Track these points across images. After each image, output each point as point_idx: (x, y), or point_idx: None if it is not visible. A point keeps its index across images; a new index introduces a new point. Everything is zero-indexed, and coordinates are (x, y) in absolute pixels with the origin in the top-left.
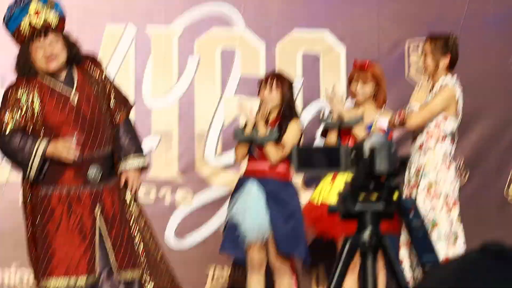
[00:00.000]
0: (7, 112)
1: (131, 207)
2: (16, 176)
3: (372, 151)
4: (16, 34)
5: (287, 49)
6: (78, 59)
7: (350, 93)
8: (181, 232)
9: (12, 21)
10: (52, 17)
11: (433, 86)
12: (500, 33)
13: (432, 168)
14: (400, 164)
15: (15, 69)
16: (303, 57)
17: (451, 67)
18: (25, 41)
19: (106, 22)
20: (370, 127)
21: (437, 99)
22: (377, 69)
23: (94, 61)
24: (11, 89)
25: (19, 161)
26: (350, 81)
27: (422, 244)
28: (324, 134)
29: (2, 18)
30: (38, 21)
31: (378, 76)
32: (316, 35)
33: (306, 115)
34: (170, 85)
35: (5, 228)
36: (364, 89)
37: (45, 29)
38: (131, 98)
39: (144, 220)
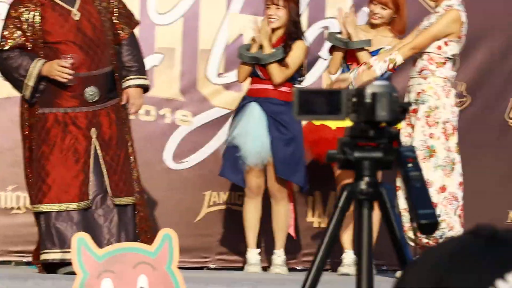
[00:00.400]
0: (7, 29)
1: (130, 129)
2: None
3: (374, 96)
4: None
5: None
6: None
7: (369, 14)
8: (180, 152)
9: None
10: None
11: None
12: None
13: (431, 93)
14: (401, 111)
15: None
16: None
17: None
18: None
19: None
20: (375, 53)
21: (443, 21)
22: None
23: None
24: (15, 6)
25: (14, 78)
26: (370, 2)
27: (418, 197)
28: (331, 51)
29: None
30: None
31: (399, 2)
32: None
33: (310, 33)
34: (175, 0)
35: (4, 147)
36: (382, 13)
37: None
38: (135, 13)
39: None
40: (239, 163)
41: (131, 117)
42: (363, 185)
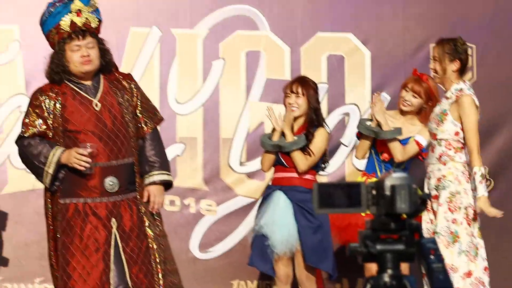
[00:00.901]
0: (29, 116)
1: (151, 223)
2: (41, 184)
3: (393, 189)
4: (53, 31)
5: (312, 52)
6: (108, 68)
7: (399, 100)
8: (206, 241)
9: (51, 17)
10: (92, 19)
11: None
12: None
13: (452, 179)
14: (421, 203)
15: (46, 71)
16: (328, 60)
17: (461, 73)
18: (61, 40)
19: (130, 25)
20: (405, 142)
21: (468, 111)
22: (432, 86)
23: (127, 74)
24: (37, 94)
25: (35, 165)
26: (403, 86)
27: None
28: (360, 136)
29: (40, 16)
30: (80, 20)
31: (431, 93)
32: (341, 38)
33: (331, 120)
34: (195, 89)
35: (30, 240)
36: (412, 101)
37: (85, 30)
38: (156, 103)
39: (165, 240)
40: (268, 252)
41: None
42: (386, 278)
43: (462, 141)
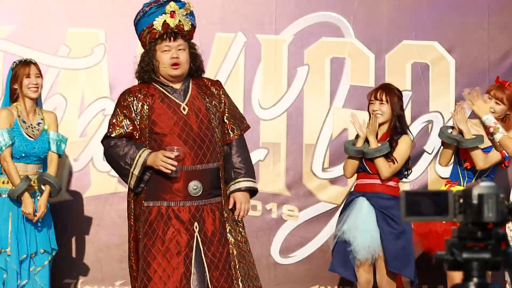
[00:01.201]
0: (117, 117)
1: (233, 229)
2: (124, 186)
3: (480, 197)
4: (146, 31)
5: (396, 59)
6: (198, 73)
7: None
8: (287, 246)
9: (146, 17)
10: (185, 22)
11: None
12: None
13: None
14: (508, 212)
15: (136, 70)
16: (413, 68)
17: None
18: (153, 40)
19: (216, 31)
20: (488, 150)
21: None
22: None
23: (216, 81)
24: (125, 95)
25: (120, 166)
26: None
27: None
28: (444, 144)
29: (135, 16)
30: (173, 21)
31: None
32: (425, 46)
33: (414, 128)
34: (279, 95)
35: (112, 242)
36: (495, 108)
37: (177, 32)
38: (240, 108)
39: (247, 245)
40: (350, 258)
41: None
42: (472, 286)
43: None
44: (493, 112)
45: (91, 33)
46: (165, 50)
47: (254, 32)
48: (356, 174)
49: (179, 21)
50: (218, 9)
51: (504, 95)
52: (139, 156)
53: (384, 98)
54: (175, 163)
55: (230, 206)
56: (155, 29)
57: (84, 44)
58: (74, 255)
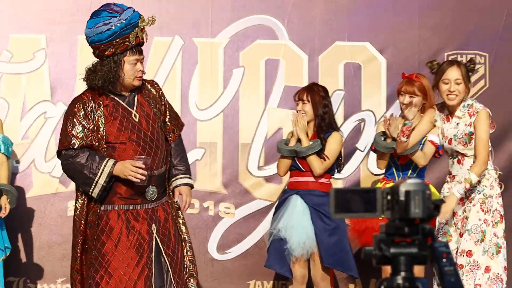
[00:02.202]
0: (75, 128)
1: (183, 224)
2: (66, 187)
3: (407, 194)
4: (120, 42)
5: (329, 60)
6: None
7: (400, 106)
8: (224, 243)
9: (122, 28)
10: (146, 35)
11: (452, 110)
12: None
13: (488, 184)
14: (434, 208)
15: (90, 78)
16: (345, 68)
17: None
18: (121, 52)
19: (153, 35)
20: (419, 143)
21: (484, 125)
22: (424, 82)
23: (151, 81)
24: (79, 104)
25: (84, 176)
26: (398, 93)
27: None
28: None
29: (102, 23)
30: (143, 35)
31: (425, 88)
32: (358, 47)
33: (347, 126)
34: (216, 96)
35: (53, 241)
36: (409, 100)
37: (142, 45)
38: (178, 109)
39: (190, 240)
40: (285, 255)
41: None
42: (399, 280)
43: (490, 148)
44: (406, 105)
45: (32, 38)
46: (133, 63)
47: (191, 35)
48: (289, 172)
49: (145, 34)
50: (155, 13)
51: (414, 87)
52: (105, 165)
53: (305, 98)
54: (145, 172)
55: (176, 199)
56: (130, 42)
57: (25, 49)
58: (17, 253)
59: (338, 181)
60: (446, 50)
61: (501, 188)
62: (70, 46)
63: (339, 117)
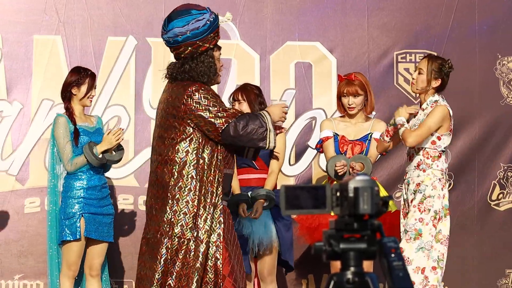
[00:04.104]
0: (223, 103)
1: None
2: (21, 185)
3: (356, 191)
4: (212, 36)
5: (280, 59)
6: None
7: (344, 107)
8: None
9: (213, 23)
10: None
11: (421, 103)
12: (486, 40)
13: (429, 184)
14: (383, 204)
15: (198, 70)
16: (296, 67)
17: (438, 91)
18: (212, 47)
19: (108, 34)
20: (365, 138)
21: (434, 118)
22: (363, 79)
23: None
24: (210, 89)
25: (257, 130)
26: (340, 95)
27: (402, 285)
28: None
29: (195, 19)
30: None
31: (365, 86)
32: (308, 46)
33: (298, 124)
34: None
35: (10, 238)
36: (356, 101)
37: None
38: (131, 108)
39: None
40: (246, 251)
41: (131, 207)
42: (349, 275)
43: (439, 149)
44: (355, 107)
45: None
46: (218, 59)
47: (144, 35)
48: (237, 169)
49: None
50: (109, 13)
51: (356, 87)
52: (264, 114)
53: (241, 98)
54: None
55: None
56: (218, 37)
57: None
58: None
59: (290, 179)
60: (395, 49)
61: (449, 187)
62: (25, 45)
63: (290, 116)
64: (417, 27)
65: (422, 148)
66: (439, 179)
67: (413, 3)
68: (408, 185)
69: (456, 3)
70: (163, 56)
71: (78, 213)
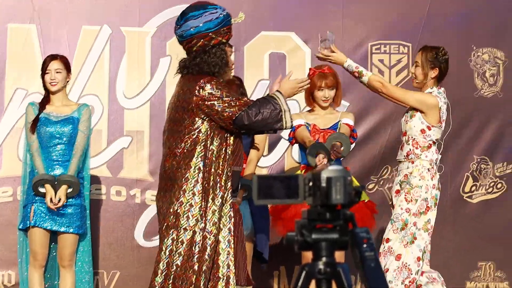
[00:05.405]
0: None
1: None
2: None
3: (329, 181)
4: (225, 30)
5: (255, 50)
6: None
7: (313, 101)
8: (150, 230)
9: (227, 18)
10: None
11: None
12: (461, 31)
13: (417, 175)
14: (355, 194)
15: (205, 66)
16: (270, 58)
17: (439, 81)
18: (225, 41)
19: (82, 23)
20: (335, 127)
21: (416, 94)
22: (334, 71)
23: None
24: (221, 83)
25: (271, 113)
26: (314, 89)
27: (373, 276)
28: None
29: (221, 13)
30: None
31: (337, 77)
32: (283, 37)
33: None
34: (143, 85)
35: None
36: (331, 94)
37: None
38: (105, 99)
39: None
40: None
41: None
42: (321, 265)
43: (429, 139)
44: (328, 99)
45: None
46: (230, 54)
47: (119, 24)
48: None
49: None
50: (85, 2)
51: (331, 79)
52: (276, 95)
53: None
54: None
55: None
56: (231, 33)
57: None
58: None
59: (263, 170)
60: (370, 40)
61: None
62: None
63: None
64: (392, 18)
65: (412, 137)
66: (428, 169)
67: None
68: (398, 176)
69: None
70: (137, 46)
71: (30, 202)
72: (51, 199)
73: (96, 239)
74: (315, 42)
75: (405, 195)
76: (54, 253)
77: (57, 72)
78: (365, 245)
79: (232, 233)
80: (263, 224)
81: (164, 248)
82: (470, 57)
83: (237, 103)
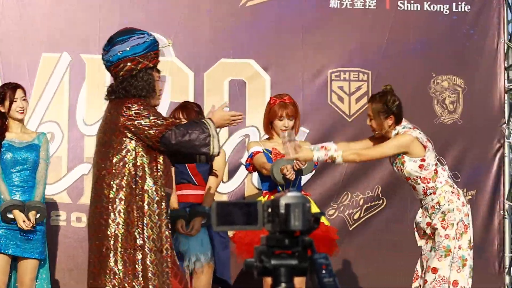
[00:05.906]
0: (160, 114)
1: None
2: None
3: (287, 207)
4: (152, 55)
5: (215, 76)
6: None
7: (272, 130)
8: None
9: (154, 44)
10: None
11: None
12: (420, 59)
13: (445, 202)
14: (314, 221)
15: (132, 89)
16: (230, 84)
17: (396, 123)
18: (152, 66)
19: (42, 51)
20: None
21: (394, 142)
22: (294, 100)
23: None
24: (148, 104)
25: (198, 137)
26: (274, 118)
27: None
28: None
29: (138, 35)
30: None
31: (297, 107)
32: (242, 64)
33: (231, 142)
34: (102, 111)
35: None
36: (290, 123)
37: None
38: (64, 125)
39: None
40: (183, 268)
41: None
42: None
43: (430, 167)
44: (284, 130)
45: None
46: (157, 80)
47: (79, 52)
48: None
49: None
50: (43, 29)
51: (292, 109)
52: (206, 121)
53: (181, 116)
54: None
55: None
56: (158, 58)
57: None
58: None
59: (223, 196)
60: (330, 68)
61: (465, 196)
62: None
63: (224, 133)
64: (352, 46)
65: (417, 177)
66: (451, 191)
67: (347, 22)
68: (426, 210)
69: (391, 22)
70: (98, 72)
71: None
72: (24, 221)
73: (56, 265)
74: (275, 69)
75: (441, 223)
76: (13, 280)
77: (23, 100)
78: (324, 271)
79: (171, 252)
80: (222, 250)
81: (108, 271)
82: (430, 85)
83: (165, 122)
